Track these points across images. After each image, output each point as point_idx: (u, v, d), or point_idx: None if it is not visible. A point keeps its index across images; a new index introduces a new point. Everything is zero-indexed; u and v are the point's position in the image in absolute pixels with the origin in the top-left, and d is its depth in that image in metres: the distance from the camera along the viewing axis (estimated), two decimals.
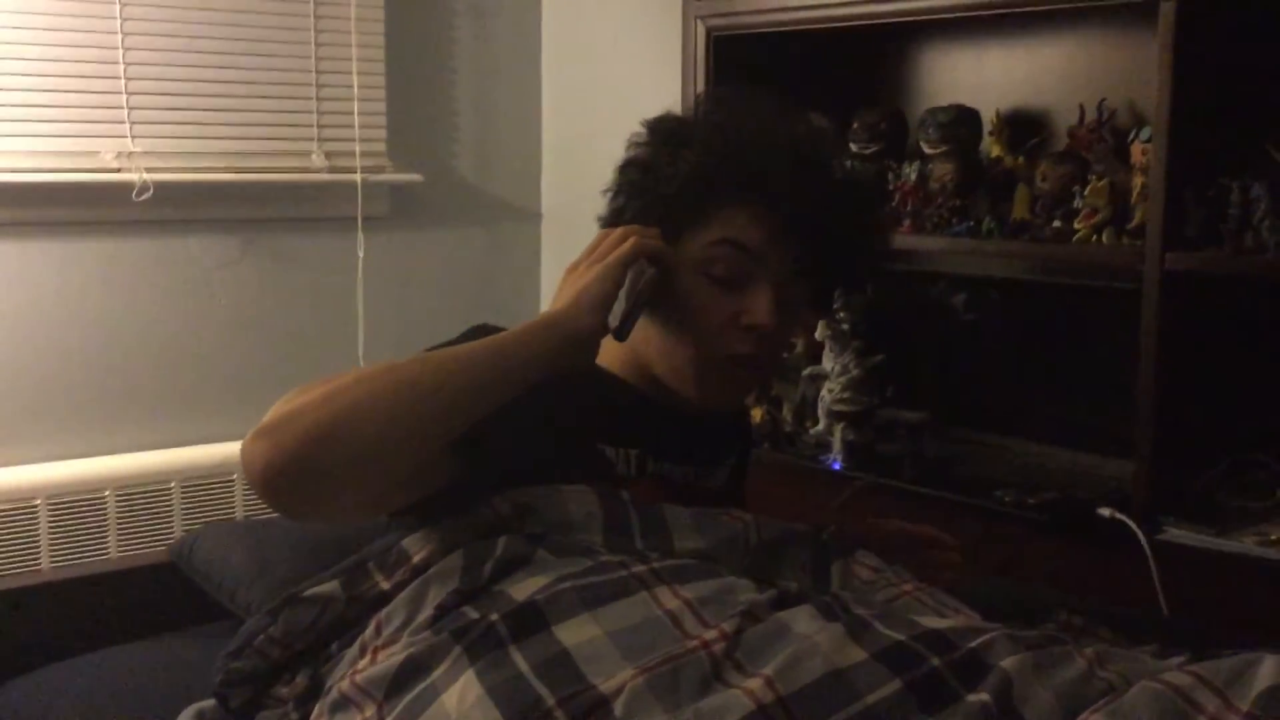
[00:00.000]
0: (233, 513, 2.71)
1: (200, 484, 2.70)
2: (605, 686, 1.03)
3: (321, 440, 1.10)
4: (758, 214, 1.34)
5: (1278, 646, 1.25)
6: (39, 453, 2.63)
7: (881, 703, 1.00)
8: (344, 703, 1.14)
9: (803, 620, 1.09)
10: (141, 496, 2.64)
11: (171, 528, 2.63)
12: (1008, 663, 1.04)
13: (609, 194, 1.46)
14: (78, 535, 2.57)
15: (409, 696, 1.09)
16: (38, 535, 2.53)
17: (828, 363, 2.38)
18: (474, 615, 1.13)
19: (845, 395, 2.33)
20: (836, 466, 2.31)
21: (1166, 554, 1.86)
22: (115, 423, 2.73)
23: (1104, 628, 1.45)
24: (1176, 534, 1.86)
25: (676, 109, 2.55)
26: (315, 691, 1.22)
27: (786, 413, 2.45)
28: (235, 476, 2.73)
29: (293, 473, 1.10)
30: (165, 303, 2.79)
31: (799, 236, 1.34)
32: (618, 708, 1.01)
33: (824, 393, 2.37)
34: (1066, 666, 1.05)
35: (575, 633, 1.08)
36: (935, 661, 1.04)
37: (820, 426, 2.38)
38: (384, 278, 3.03)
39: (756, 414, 2.43)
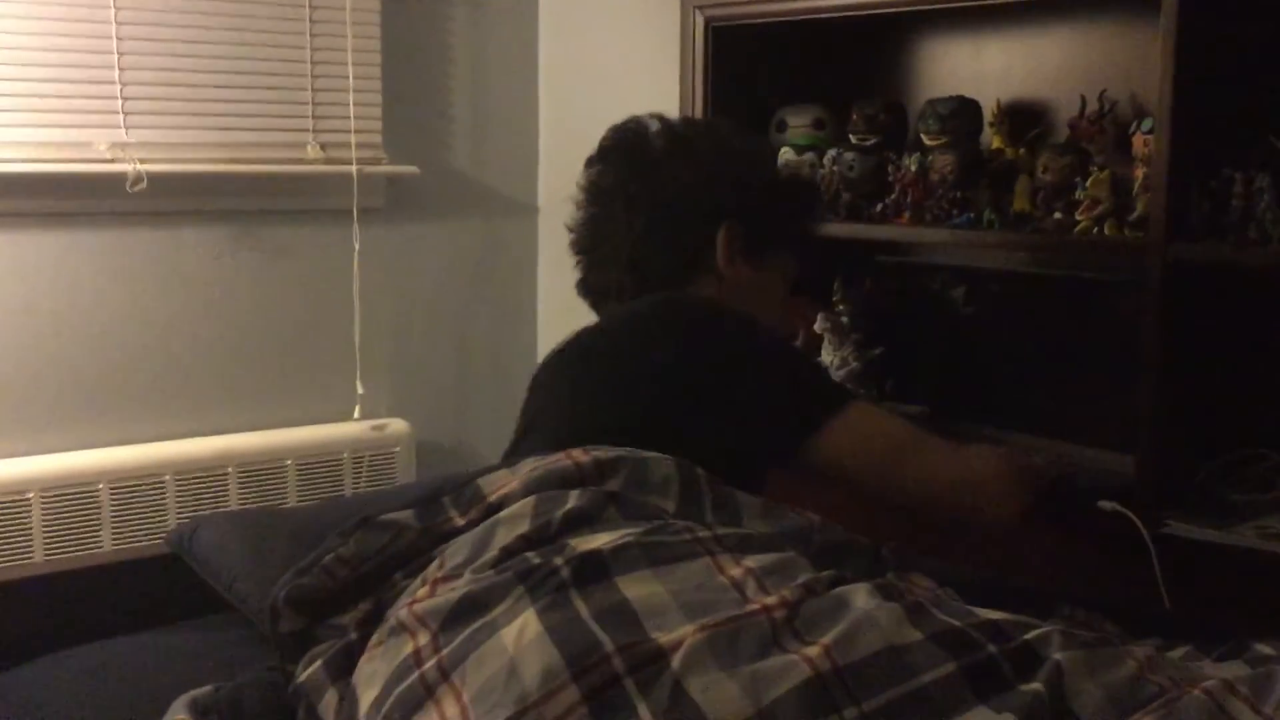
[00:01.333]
0: (227, 505, 2.70)
1: (194, 477, 2.68)
2: (665, 640, 1.03)
3: None
4: (806, 252, 1.74)
5: (1278, 640, 1.25)
6: (31, 445, 2.62)
7: (936, 683, 1.01)
8: (399, 629, 1.16)
9: (861, 597, 1.10)
10: (135, 489, 2.62)
11: (165, 520, 2.61)
12: (1061, 656, 1.04)
13: (714, 173, 1.65)
14: (71, 528, 2.55)
15: (467, 631, 1.10)
16: (31, 528, 2.51)
17: (827, 355, 2.36)
18: (537, 560, 1.14)
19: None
20: None
21: (1168, 547, 1.85)
22: (109, 415, 2.72)
23: (1107, 621, 1.45)
24: (1178, 527, 1.85)
25: (674, 101, 2.55)
26: (377, 618, 1.23)
27: None
28: (229, 469, 2.71)
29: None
30: (160, 294, 2.77)
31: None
32: (675, 661, 1.01)
33: None
34: (1118, 667, 1.05)
35: (637, 586, 1.10)
36: (991, 648, 1.04)
37: None
38: (380, 270, 3.01)
39: None
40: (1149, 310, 1.87)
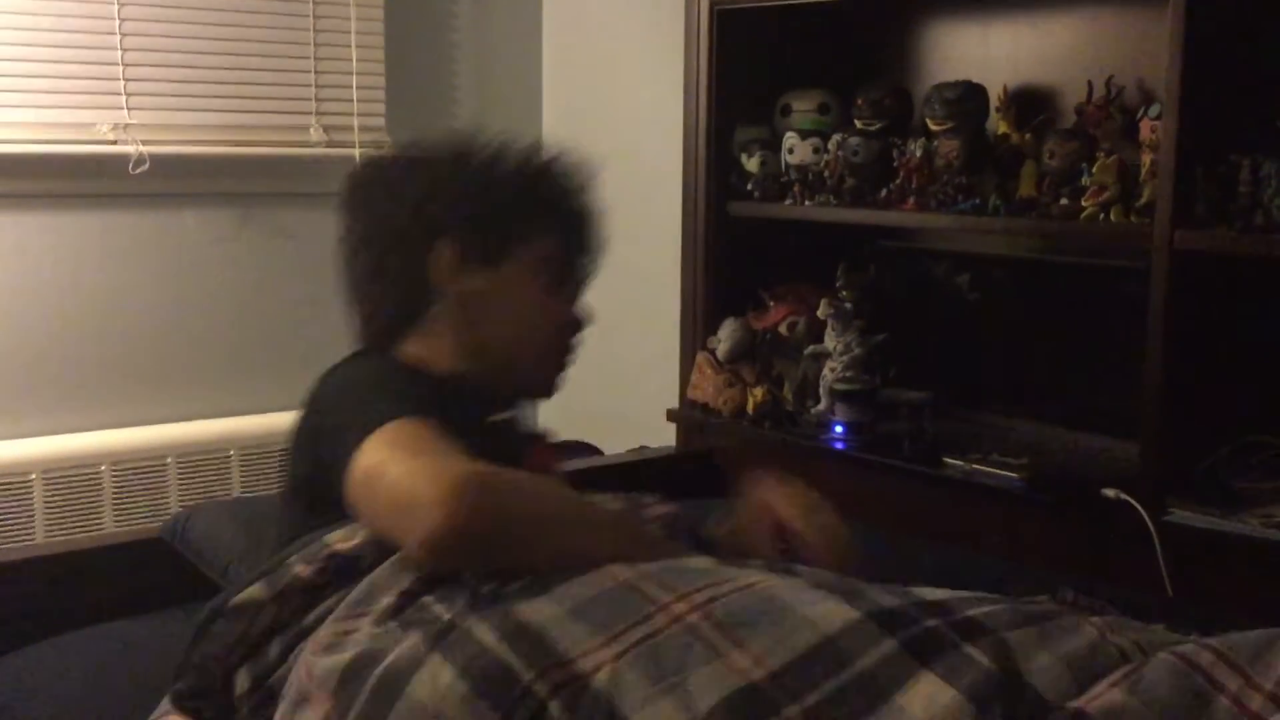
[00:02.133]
0: (229, 488, 2.70)
1: (196, 459, 2.68)
2: (583, 664, 1.02)
3: (494, 544, 1.16)
4: (564, 234, 1.49)
5: None
6: (34, 426, 2.61)
7: (878, 663, 0.99)
8: (301, 702, 1.13)
9: (782, 588, 1.09)
10: (137, 471, 2.62)
11: (167, 503, 2.61)
12: (1009, 635, 1.02)
13: (417, 195, 1.47)
14: (72, 510, 2.55)
15: (366, 689, 1.08)
16: (32, 509, 2.51)
17: (830, 341, 2.36)
18: (435, 606, 1.13)
19: (847, 374, 2.31)
20: (838, 446, 2.29)
21: (1172, 535, 1.85)
22: (111, 397, 2.71)
23: (1109, 606, 1.44)
24: (1182, 515, 1.85)
25: (679, 85, 2.55)
26: (264, 696, 1.21)
27: (787, 391, 2.43)
28: (231, 452, 2.71)
29: (459, 547, 1.14)
30: (162, 276, 2.77)
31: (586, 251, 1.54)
32: (600, 682, 1.00)
33: (826, 371, 2.35)
34: (1074, 635, 1.04)
35: (537, 610, 1.08)
36: (931, 622, 1.03)
37: (822, 405, 2.36)
38: None
39: (758, 393, 2.41)
40: (1154, 297, 1.86)
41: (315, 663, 1.13)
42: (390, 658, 1.08)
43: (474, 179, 1.47)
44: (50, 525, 2.52)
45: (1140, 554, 1.86)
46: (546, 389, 1.52)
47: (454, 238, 1.44)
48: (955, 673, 0.97)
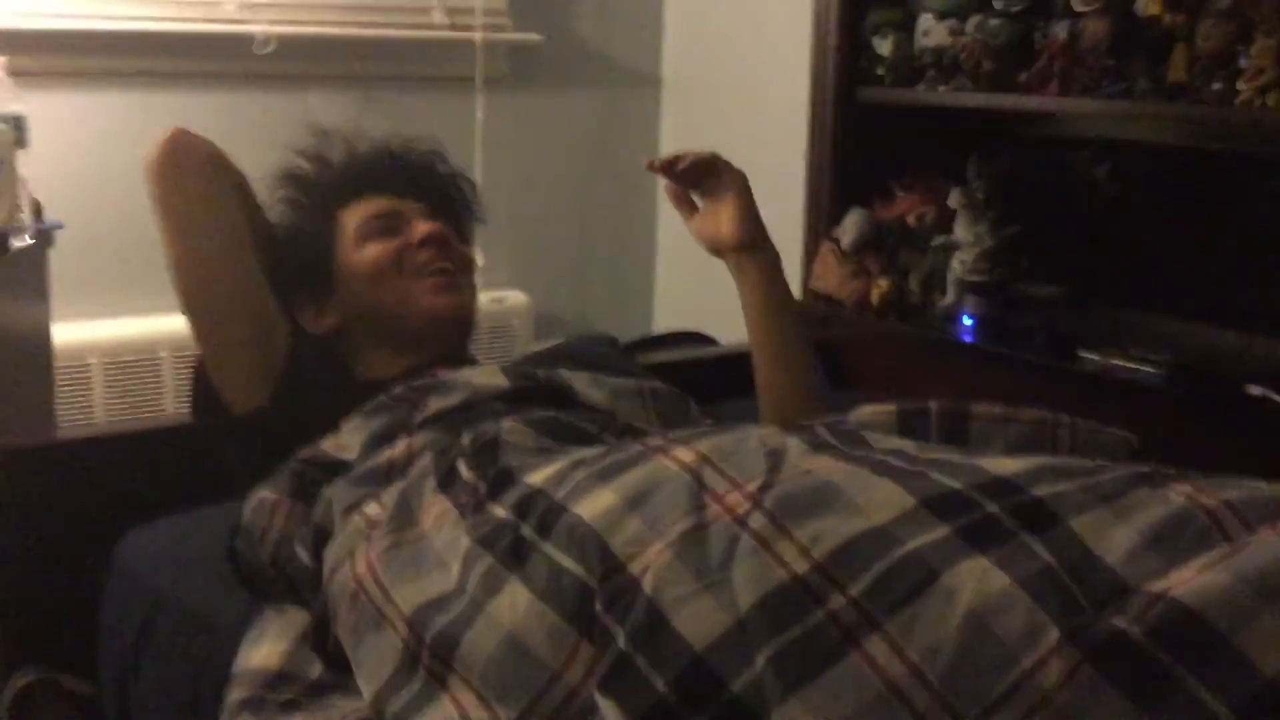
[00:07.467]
0: None
1: None
2: (634, 567, 1.01)
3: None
4: (379, 195, 1.71)
5: None
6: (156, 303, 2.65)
7: (925, 548, 0.94)
8: (379, 621, 1.16)
9: (837, 472, 1.05)
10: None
11: None
12: (1079, 519, 0.96)
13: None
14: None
15: (444, 618, 1.10)
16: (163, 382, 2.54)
17: (960, 232, 2.29)
18: (501, 515, 1.15)
19: (978, 266, 2.25)
20: (966, 339, 2.23)
21: None
22: None
23: None
24: None
25: None
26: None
27: (914, 284, 2.37)
28: None
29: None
30: (281, 158, 2.77)
31: (416, 195, 1.72)
32: (646, 584, 0.99)
33: (954, 263, 2.29)
34: (1157, 506, 0.96)
35: (592, 505, 1.08)
36: (992, 508, 0.97)
37: (949, 298, 2.30)
38: (502, 140, 2.98)
39: (883, 285, 2.35)
40: None
41: (393, 583, 1.16)
42: (470, 587, 1.10)
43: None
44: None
45: None
46: (428, 311, 1.62)
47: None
48: (1010, 560, 0.92)
